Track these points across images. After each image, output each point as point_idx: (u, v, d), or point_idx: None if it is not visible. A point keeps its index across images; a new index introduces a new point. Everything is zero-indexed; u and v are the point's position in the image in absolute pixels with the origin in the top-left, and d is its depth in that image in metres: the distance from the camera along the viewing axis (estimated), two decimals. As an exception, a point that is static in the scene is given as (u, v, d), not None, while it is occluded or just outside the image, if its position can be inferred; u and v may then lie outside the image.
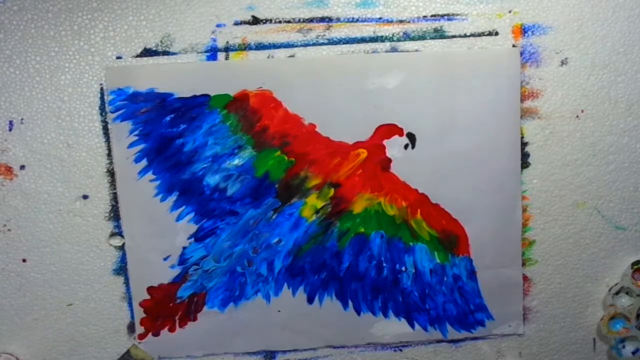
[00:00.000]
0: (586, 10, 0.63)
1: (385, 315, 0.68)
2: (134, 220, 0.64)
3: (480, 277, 0.67)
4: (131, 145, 0.63)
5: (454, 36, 0.62)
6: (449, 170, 0.64)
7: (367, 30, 0.62)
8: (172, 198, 0.64)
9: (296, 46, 0.62)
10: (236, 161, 0.63)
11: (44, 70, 0.61)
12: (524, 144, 0.65)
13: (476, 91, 0.63)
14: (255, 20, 0.61)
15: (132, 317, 0.67)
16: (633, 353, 0.68)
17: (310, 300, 0.67)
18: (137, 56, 0.61)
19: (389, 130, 0.63)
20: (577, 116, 0.65)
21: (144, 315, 0.66)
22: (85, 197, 0.64)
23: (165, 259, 0.65)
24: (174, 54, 0.61)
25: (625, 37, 0.63)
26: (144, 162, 0.63)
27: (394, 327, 0.68)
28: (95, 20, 0.60)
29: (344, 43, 0.62)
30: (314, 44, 0.62)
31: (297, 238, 0.65)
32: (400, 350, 0.69)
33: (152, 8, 0.61)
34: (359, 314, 0.67)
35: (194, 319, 0.67)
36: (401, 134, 0.63)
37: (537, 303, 0.69)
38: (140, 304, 0.66)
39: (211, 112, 0.62)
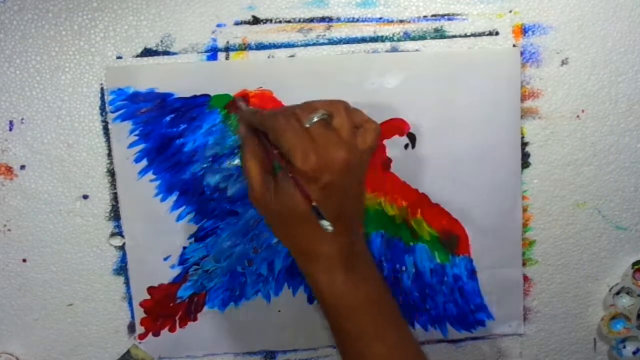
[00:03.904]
0: (587, 10, 0.63)
1: (386, 315, 0.68)
2: (134, 220, 0.64)
3: (480, 277, 0.67)
4: (131, 145, 0.62)
5: (454, 36, 0.62)
6: (449, 170, 0.64)
7: (368, 30, 0.62)
8: (172, 198, 0.64)
9: (296, 46, 0.62)
10: (236, 161, 0.63)
11: (44, 70, 0.61)
12: (524, 144, 0.65)
13: (476, 91, 0.63)
14: (256, 20, 0.61)
15: (133, 317, 0.67)
16: (634, 353, 0.68)
17: (310, 300, 0.67)
18: (137, 56, 0.61)
19: (394, 124, 0.62)
20: (578, 116, 0.65)
21: (144, 315, 0.66)
22: (85, 197, 0.64)
23: (165, 259, 0.65)
24: (174, 54, 0.61)
25: (625, 37, 0.63)
26: (144, 162, 0.63)
27: (394, 327, 0.68)
28: (95, 20, 0.60)
29: (344, 43, 0.62)
30: (314, 44, 0.62)
31: (297, 238, 0.65)
32: (401, 350, 0.69)
33: (152, 8, 0.61)
34: (359, 314, 0.67)
35: (194, 319, 0.67)
36: (401, 134, 0.63)
37: (538, 303, 0.69)
38: (141, 304, 0.66)
39: (211, 112, 0.62)
